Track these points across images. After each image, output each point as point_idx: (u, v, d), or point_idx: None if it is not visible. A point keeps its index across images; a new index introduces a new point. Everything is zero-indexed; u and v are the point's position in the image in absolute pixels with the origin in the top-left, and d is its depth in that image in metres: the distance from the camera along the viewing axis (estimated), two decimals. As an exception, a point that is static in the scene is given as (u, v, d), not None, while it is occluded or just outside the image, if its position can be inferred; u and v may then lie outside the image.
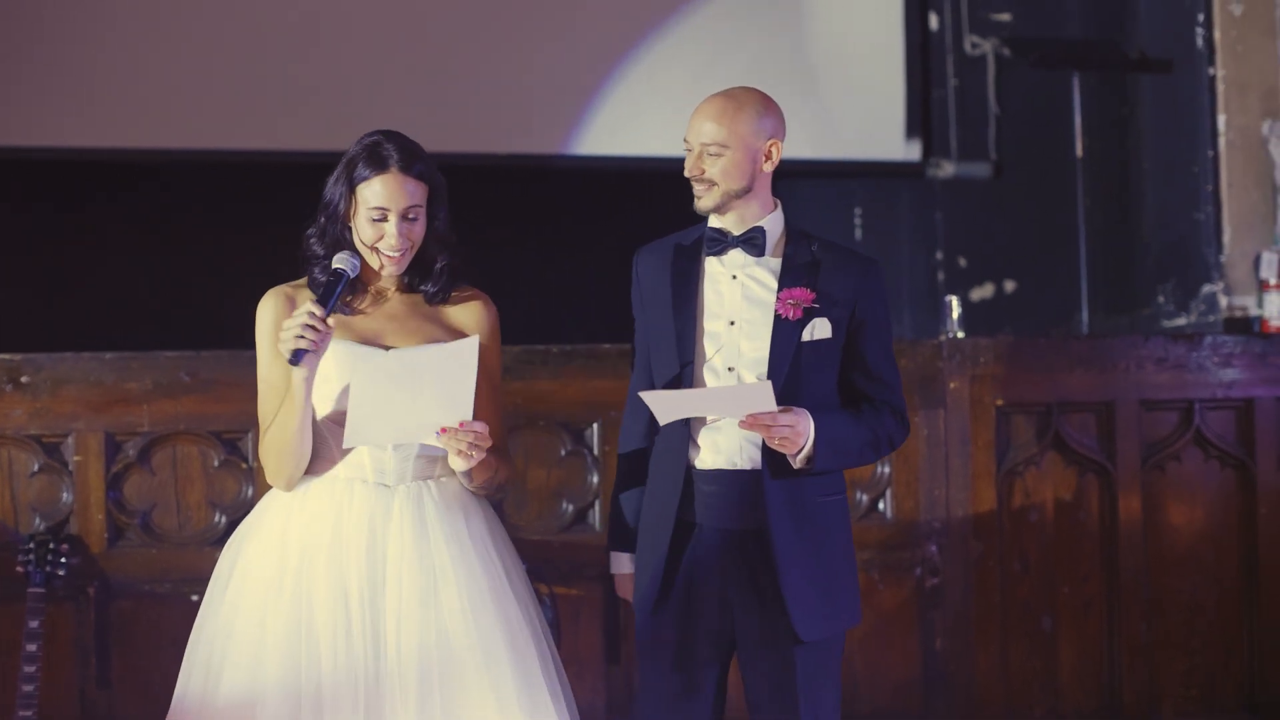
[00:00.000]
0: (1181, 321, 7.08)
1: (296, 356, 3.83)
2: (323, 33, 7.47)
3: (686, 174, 4.09)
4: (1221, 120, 6.84)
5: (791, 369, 4.06)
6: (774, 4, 8.07)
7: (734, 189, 4.08)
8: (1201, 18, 6.94)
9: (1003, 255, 8.34)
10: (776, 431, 3.95)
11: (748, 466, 4.10)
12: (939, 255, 8.38)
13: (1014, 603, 5.88)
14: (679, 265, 4.18)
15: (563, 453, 5.59)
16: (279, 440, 3.95)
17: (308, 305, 3.85)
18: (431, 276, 4.07)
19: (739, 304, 4.13)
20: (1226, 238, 6.85)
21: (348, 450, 3.97)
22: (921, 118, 8.24)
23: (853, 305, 4.13)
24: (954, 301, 6.05)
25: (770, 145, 4.13)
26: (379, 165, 3.97)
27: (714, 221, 4.16)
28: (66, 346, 5.43)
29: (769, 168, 4.13)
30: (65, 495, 5.33)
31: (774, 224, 4.16)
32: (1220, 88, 6.86)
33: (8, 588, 5.19)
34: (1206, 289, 6.93)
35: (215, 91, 7.31)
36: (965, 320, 6.08)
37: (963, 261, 8.36)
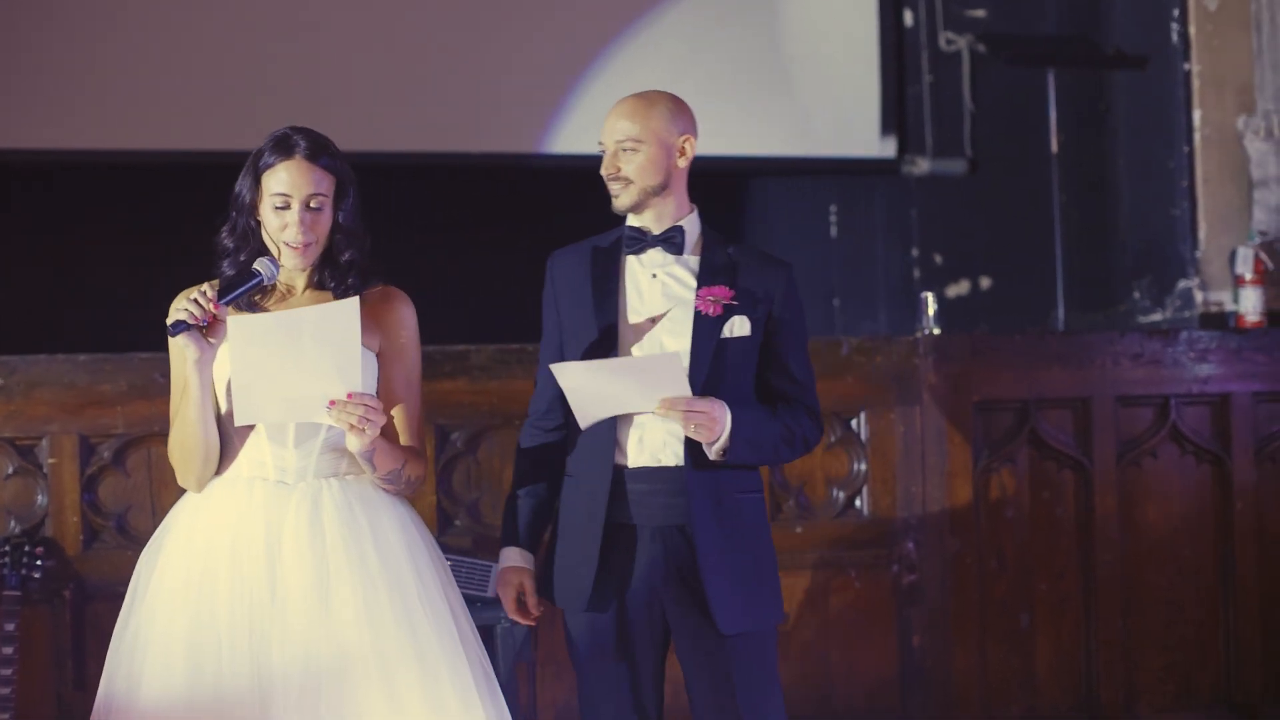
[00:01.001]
0: (1157, 317, 7.09)
1: (175, 328, 3.74)
2: (297, 32, 7.45)
3: (603, 173, 4.13)
4: (1197, 116, 6.85)
5: (713, 365, 4.10)
6: (748, 1, 8.06)
7: (650, 185, 4.13)
8: (1176, 13, 6.95)
9: (978, 252, 8.34)
10: (692, 417, 3.98)
11: (673, 463, 4.12)
12: (915, 252, 8.38)
13: (991, 600, 5.89)
14: (598, 265, 4.21)
15: (539, 452, 5.58)
16: (179, 434, 3.87)
17: (204, 285, 3.81)
18: (339, 272, 3.96)
19: (659, 301, 4.16)
20: (1202, 233, 6.86)
21: (249, 447, 3.89)
22: (896, 114, 8.24)
23: (770, 305, 4.18)
24: (930, 298, 6.07)
25: (684, 141, 4.17)
26: (285, 152, 3.90)
27: (633, 221, 4.20)
28: (40, 349, 5.41)
29: (683, 163, 4.18)
30: (40, 498, 5.31)
31: (692, 225, 4.21)
32: (1195, 83, 6.87)
33: (-17, 591, 5.17)
34: (1182, 284, 6.94)
35: (188, 91, 7.29)
36: (941, 317, 6.08)
37: (938, 258, 8.36)
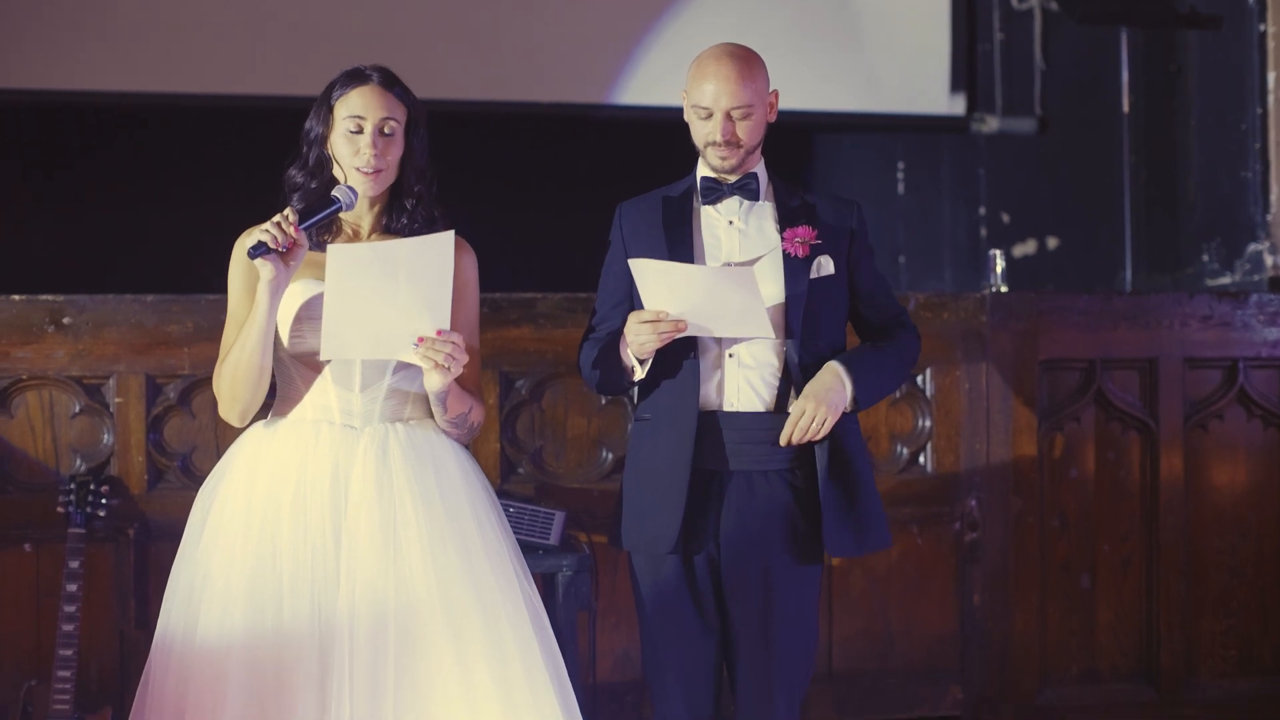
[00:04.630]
0: (1226, 280, 7.03)
1: (255, 250, 3.74)
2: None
3: (717, 139, 4.11)
4: (1271, 78, 6.78)
5: (807, 305, 4.13)
6: (820, -44, 8.03)
7: (755, 145, 4.19)
8: (1253, -27, 6.88)
9: (1046, 212, 8.29)
10: (804, 421, 4.06)
11: (759, 408, 4.15)
12: (982, 211, 8.34)
13: (1052, 560, 5.86)
14: (671, 215, 4.23)
15: (603, 401, 5.58)
16: (236, 359, 3.85)
17: (286, 210, 3.80)
18: (407, 212, 3.99)
19: (736, 248, 4.19)
20: (1273, 196, 6.80)
21: (314, 390, 3.90)
22: (966, 72, 8.20)
23: (848, 243, 4.24)
24: (998, 256, 6.03)
25: (773, 97, 4.23)
26: (359, 80, 3.93)
27: (705, 171, 4.23)
28: (109, 289, 5.43)
29: (772, 118, 4.23)
30: (106, 437, 5.33)
31: (763, 172, 4.26)
32: (1270, 44, 6.79)
33: (49, 528, 5.20)
34: (1252, 248, 6.88)
35: (256, 36, 7.31)
36: (1007, 276, 6.05)
37: (1006, 217, 8.32)
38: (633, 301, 4.21)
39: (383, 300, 3.75)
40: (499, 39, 7.60)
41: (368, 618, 3.74)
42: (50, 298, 5.29)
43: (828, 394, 4.09)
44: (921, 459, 5.79)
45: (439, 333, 3.77)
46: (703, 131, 4.15)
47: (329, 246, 3.73)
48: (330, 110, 3.95)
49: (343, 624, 3.74)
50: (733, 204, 4.21)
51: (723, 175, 4.19)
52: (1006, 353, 5.78)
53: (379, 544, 3.78)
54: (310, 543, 3.79)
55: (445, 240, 3.77)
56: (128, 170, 7.31)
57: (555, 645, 3.91)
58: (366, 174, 3.91)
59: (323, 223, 3.90)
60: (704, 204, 4.21)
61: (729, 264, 4.14)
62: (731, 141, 4.12)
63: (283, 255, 3.78)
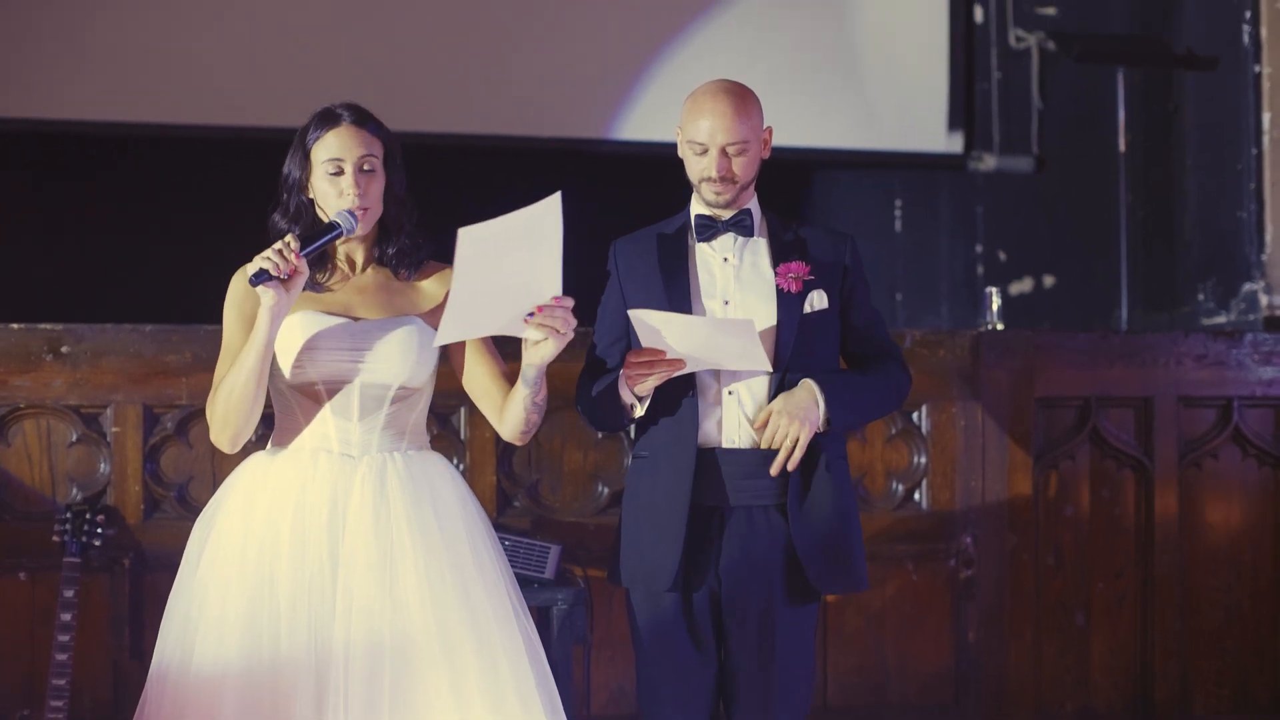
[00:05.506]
0: (1221, 319, 7.05)
1: (258, 277, 3.76)
2: (369, 12, 7.49)
3: (711, 174, 4.13)
4: (1266, 118, 6.81)
5: (799, 341, 4.14)
6: (819, -8, 8.08)
7: (749, 180, 4.21)
8: (1248, 14, 6.91)
9: (1043, 250, 8.32)
10: (779, 437, 4.05)
11: (749, 445, 4.16)
12: (979, 248, 8.36)
13: (1047, 597, 5.87)
14: (665, 252, 4.25)
15: (599, 436, 5.59)
16: (231, 385, 3.86)
17: (287, 237, 3.82)
18: (398, 245, 4.02)
19: (732, 285, 4.20)
20: (1269, 236, 6.82)
21: (313, 420, 3.92)
22: (964, 110, 8.23)
23: (841, 276, 4.25)
24: (994, 293, 6.05)
25: (767, 133, 4.24)
26: (331, 122, 3.96)
27: (699, 208, 4.24)
28: (107, 318, 5.44)
29: (766, 154, 4.24)
30: (103, 466, 5.34)
31: (756, 208, 4.27)
32: (1266, 85, 6.83)
33: (44, 557, 5.21)
34: (1247, 287, 6.90)
35: (257, 67, 7.33)
36: (1004, 314, 6.07)
37: (1002, 255, 8.34)
38: (630, 338, 4.22)
39: (502, 275, 3.77)
40: (499, 74, 7.63)
41: (363, 646, 3.74)
42: (49, 326, 5.30)
43: (798, 408, 4.08)
44: (917, 495, 5.80)
45: (555, 300, 3.80)
46: (697, 167, 4.17)
47: (460, 231, 3.72)
48: (307, 155, 3.98)
49: (339, 653, 3.74)
50: (727, 240, 4.22)
51: (717, 212, 4.21)
52: (1002, 390, 5.80)
53: (375, 573, 3.79)
54: (308, 571, 3.80)
55: (554, 203, 3.81)
56: (127, 200, 7.33)
57: (550, 677, 3.92)
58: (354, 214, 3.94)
59: (324, 248, 3.92)
60: (699, 241, 4.23)
61: (727, 314, 4.16)
62: (726, 178, 4.14)
63: (284, 282, 3.80)
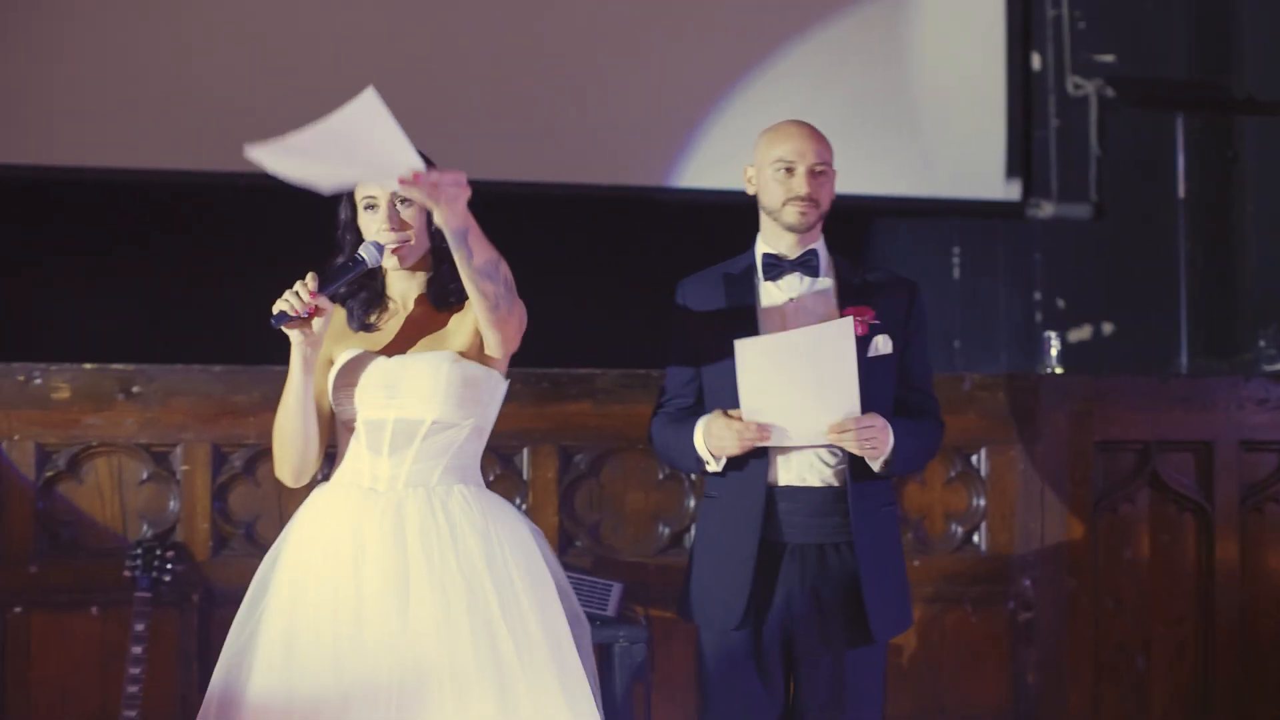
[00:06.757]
0: (1281, 366, 7.05)
1: (277, 319, 3.84)
2: (433, 63, 7.57)
3: (804, 192, 4.18)
4: (1328, 164, 6.82)
5: (863, 384, 4.16)
6: (876, 41, 8.10)
7: (825, 209, 4.28)
8: (1309, 60, 6.93)
9: (1102, 297, 8.32)
10: (863, 434, 4.05)
11: (818, 483, 4.23)
12: (1037, 295, 8.37)
13: (1107, 640, 5.86)
14: (732, 291, 4.30)
15: (660, 476, 5.63)
16: (279, 423, 3.98)
17: (306, 276, 3.87)
18: (437, 276, 4.04)
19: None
20: (1329, 283, 6.81)
21: (351, 455, 3.97)
22: (1022, 158, 8.25)
23: (905, 323, 4.30)
24: (1053, 337, 6.08)
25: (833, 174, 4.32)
26: None
27: (766, 248, 4.30)
28: (178, 358, 5.53)
29: (831, 195, 4.32)
30: (172, 504, 5.41)
31: (822, 248, 4.33)
32: (1327, 131, 6.84)
33: (115, 592, 5.28)
34: (1308, 333, 6.90)
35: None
36: (1063, 360, 6.09)
37: (1061, 302, 8.35)
38: (701, 378, 4.28)
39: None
40: (559, 122, 7.69)
41: (377, 682, 3.76)
42: (121, 367, 5.38)
43: (884, 430, 4.14)
44: (976, 538, 5.81)
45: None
46: (782, 189, 4.21)
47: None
48: (351, 195, 4.04)
49: (356, 686, 3.76)
50: (793, 280, 4.27)
51: (783, 251, 4.26)
52: (1061, 433, 5.81)
53: (389, 609, 3.80)
54: (330, 605, 3.84)
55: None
56: (198, 244, 7.41)
57: (595, 714, 3.88)
58: (391, 249, 3.98)
59: (350, 281, 3.97)
60: (765, 280, 4.28)
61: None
62: (813, 197, 4.20)
63: (305, 321, 3.88)
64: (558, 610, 3.95)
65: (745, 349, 4.05)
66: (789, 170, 4.20)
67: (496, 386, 4.02)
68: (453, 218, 3.66)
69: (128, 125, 7.27)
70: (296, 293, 3.85)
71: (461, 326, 4.01)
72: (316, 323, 3.89)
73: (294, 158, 3.59)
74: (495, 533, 3.93)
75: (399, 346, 4.01)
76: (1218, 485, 5.92)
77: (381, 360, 3.98)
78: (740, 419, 4.14)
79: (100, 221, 7.35)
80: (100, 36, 7.27)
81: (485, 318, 3.85)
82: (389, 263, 4.01)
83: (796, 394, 4.04)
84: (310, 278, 3.87)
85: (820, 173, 4.21)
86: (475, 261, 3.75)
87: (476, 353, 3.98)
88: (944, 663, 5.77)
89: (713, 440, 4.19)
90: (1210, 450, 5.92)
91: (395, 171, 3.59)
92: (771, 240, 4.30)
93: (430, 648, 3.77)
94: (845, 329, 4.04)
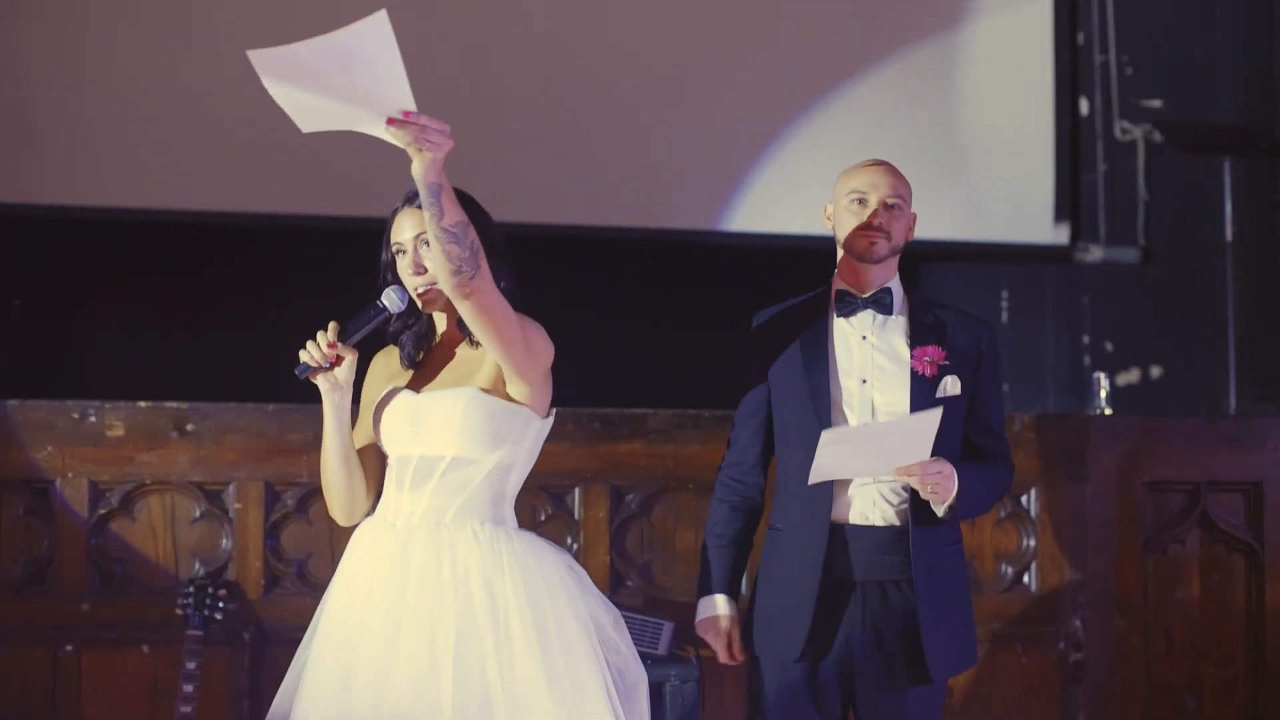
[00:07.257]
0: (1331, 409, 7.03)
1: (300, 371, 3.91)
2: (483, 107, 7.62)
3: (875, 222, 4.21)
4: (1375, 207, 6.81)
5: None
6: (925, 86, 8.13)
7: (899, 246, 4.29)
8: (1357, 103, 6.93)
9: (1150, 340, 8.32)
10: (929, 479, 4.06)
11: (880, 522, 4.25)
12: (1085, 339, 8.37)
13: (1157, 681, 5.85)
14: (805, 327, 4.33)
15: (711, 516, 5.63)
16: (322, 468, 4.03)
17: (328, 325, 3.91)
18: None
19: (869, 362, 4.27)
20: (1378, 325, 6.80)
21: (385, 490, 3.99)
22: (1070, 202, 8.26)
23: (976, 364, 4.31)
24: (1102, 378, 6.08)
25: (913, 219, 4.36)
26: (396, 209, 4.04)
27: (841, 284, 4.32)
28: (231, 397, 5.57)
29: (910, 237, 4.36)
30: (225, 542, 5.45)
31: (897, 287, 4.36)
32: (1375, 174, 6.83)
33: (166, 630, 5.31)
34: (1357, 376, 6.88)
35: (377, 160, 7.48)
36: (1111, 403, 6.09)
37: (1109, 345, 8.35)
38: (769, 410, 4.31)
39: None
40: (611, 166, 7.74)
41: (372, 715, 3.76)
42: (175, 405, 5.43)
43: (949, 477, 4.16)
44: (1026, 578, 5.81)
45: (405, 113, 3.66)
46: (854, 220, 4.25)
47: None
48: (388, 241, 4.05)
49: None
50: (866, 318, 4.29)
51: (857, 288, 4.28)
52: (1110, 474, 5.81)
53: (382, 646, 3.80)
54: (342, 639, 3.87)
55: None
56: (252, 283, 7.48)
57: None
58: (419, 292, 3.99)
59: (373, 330, 3.98)
60: (838, 316, 4.30)
61: (864, 392, 4.25)
62: (884, 228, 4.22)
63: (328, 370, 3.92)
64: (584, 652, 3.88)
65: (830, 439, 4.09)
66: (861, 201, 4.24)
67: (527, 422, 3.96)
68: (430, 169, 3.71)
69: (184, 167, 7.35)
70: (315, 341, 3.90)
71: (486, 363, 3.98)
72: (340, 371, 3.93)
73: (292, 72, 3.55)
74: (506, 575, 3.86)
75: (426, 382, 4.03)
76: (1268, 526, 5.90)
77: (409, 396, 4.00)
78: (731, 635, 4.40)
79: (155, 261, 7.42)
80: (158, 81, 7.36)
81: (448, 283, 3.75)
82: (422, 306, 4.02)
83: (871, 455, 4.10)
84: (331, 328, 3.91)
85: (894, 206, 4.25)
86: (445, 221, 3.72)
87: (503, 388, 3.96)
88: (995, 703, 5.76)
89: (702, 621, 4.45)
90: (1260, 491, 5.91)
91: (386, 109, 3.58)
92: (846, 276, 4.33)
93: (408, 694, 3.74)
94: (932, 420, 4.06)
